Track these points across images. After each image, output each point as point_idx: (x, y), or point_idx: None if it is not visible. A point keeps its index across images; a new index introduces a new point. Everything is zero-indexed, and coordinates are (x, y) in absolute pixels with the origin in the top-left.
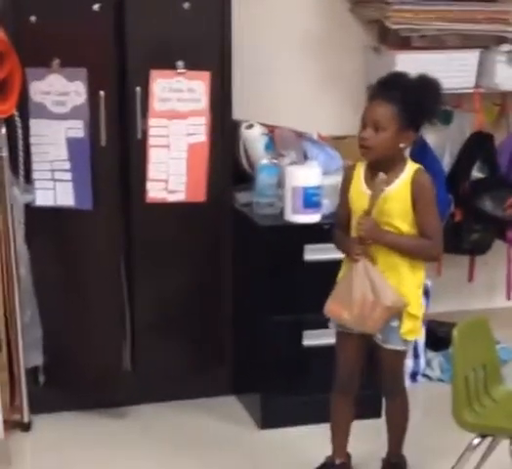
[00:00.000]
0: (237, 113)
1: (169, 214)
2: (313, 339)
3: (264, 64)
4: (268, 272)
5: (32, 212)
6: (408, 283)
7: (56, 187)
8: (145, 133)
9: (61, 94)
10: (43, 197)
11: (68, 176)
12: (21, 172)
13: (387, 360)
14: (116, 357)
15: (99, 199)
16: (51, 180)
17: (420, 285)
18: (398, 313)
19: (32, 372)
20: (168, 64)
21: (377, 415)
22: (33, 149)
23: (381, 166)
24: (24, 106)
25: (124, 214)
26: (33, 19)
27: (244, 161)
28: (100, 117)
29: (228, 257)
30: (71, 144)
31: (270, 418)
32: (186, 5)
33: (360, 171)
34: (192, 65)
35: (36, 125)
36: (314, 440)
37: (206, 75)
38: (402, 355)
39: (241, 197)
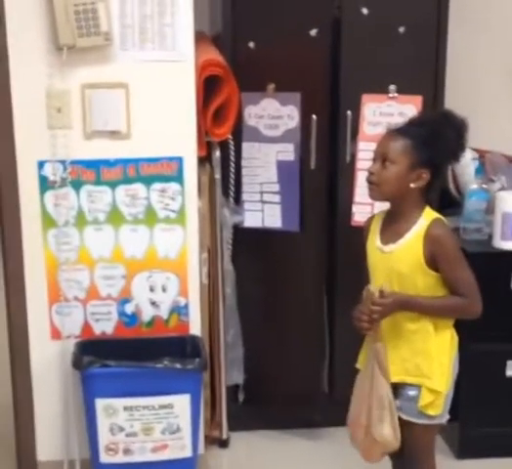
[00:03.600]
0: None
1: None
2: None
3: (476, 88)
4: None
5: (240, 233)
6: (429, 355)
7: (264, 208)
8: (353, 156)
9: (274, 118)
10: (251, 219)
11: (277, 198)
12: (232, 194)
13: (404, 432)
14: (315, 378)
15: (305, 222)
16: (260, 202)
17: (447, 352)
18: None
19: (232, 390)
20: (380, 88)
21: None
22: (244, 172)
23: (396, 214)
24: (237, 129)
25: (329, 237)
26: (251, 44)
27: (452, 186)
28: (310, 141)
29: None
30: (281, 166)
31: (468, 449)
32: (401, 29)
33: (377, 222)
34: (405, 89)
35: (248, 148)
36: None
37: (418, 99)
38: (424, 430)
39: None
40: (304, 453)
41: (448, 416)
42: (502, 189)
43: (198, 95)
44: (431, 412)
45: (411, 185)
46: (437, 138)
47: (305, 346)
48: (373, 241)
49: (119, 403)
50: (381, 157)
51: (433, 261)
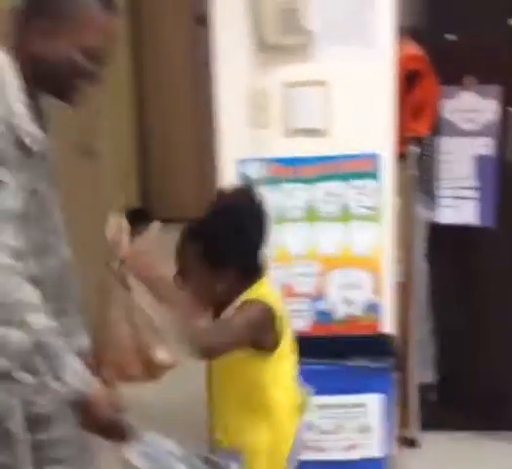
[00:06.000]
0: None
1: None
2: None
3: None
4: None
5: (436, 230)
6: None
7: (460, 204)
8: None
9: (471, 111)
10: (447, 215)
11: (474, 194)
12: (428, 190)
13: None
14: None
15: (503, 217)
16: (456, 197)
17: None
18: None
19: (424, 389)
20: None
21: None
22: (441, 167)
23: None
24: (433, 123)
25: None
26: (449, 36)
27: None
28: (508, 134)
29: None
30: (478, 161)
31: None
32: None
33: None
34: None
35: (445, 143)
36: None
37: None
38: None
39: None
40: (497, 457)
41: None
42: None
43: (398, 91)
44: None
45: (218, 288)
46: (216, 233)
47: (502, 346)
48: None
49: (313, 400)
50: (177, 269)
51: None
